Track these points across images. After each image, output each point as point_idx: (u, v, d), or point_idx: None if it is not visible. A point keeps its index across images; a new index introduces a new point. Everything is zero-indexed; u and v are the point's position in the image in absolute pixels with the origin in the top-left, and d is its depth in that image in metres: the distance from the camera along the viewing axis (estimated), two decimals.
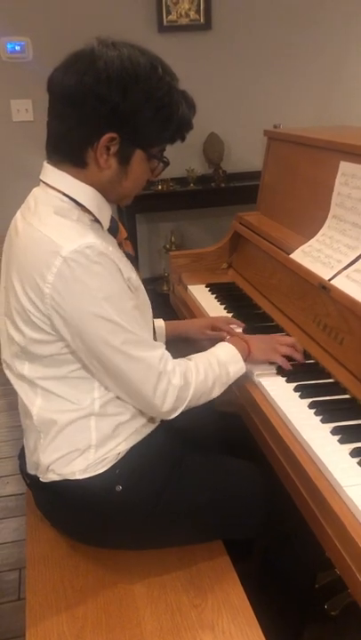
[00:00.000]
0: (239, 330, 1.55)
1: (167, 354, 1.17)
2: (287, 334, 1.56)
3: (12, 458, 2.41)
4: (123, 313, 1.08)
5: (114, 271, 1.08)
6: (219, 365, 1.25)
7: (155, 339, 1.33)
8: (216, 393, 1.25)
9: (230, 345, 1.32)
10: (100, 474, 1.18)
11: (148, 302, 1.29)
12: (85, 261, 1.03)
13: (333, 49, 3.62)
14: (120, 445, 1.20)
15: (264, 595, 1.31)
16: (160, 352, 1.15)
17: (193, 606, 1.16)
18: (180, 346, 1.53)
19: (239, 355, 1.30)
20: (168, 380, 1.14)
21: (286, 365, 1.35)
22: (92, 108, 1.06)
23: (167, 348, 1.36)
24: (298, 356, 1.38)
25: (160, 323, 1.55)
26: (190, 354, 1.28)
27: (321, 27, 3.55)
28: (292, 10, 3.49)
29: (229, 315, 1.73)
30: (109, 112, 1.06)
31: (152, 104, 1.07)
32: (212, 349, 1.31)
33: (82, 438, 1.17)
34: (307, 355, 1.44)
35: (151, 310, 1.30)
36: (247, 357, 1.32)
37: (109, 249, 1.08)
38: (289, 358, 1.37)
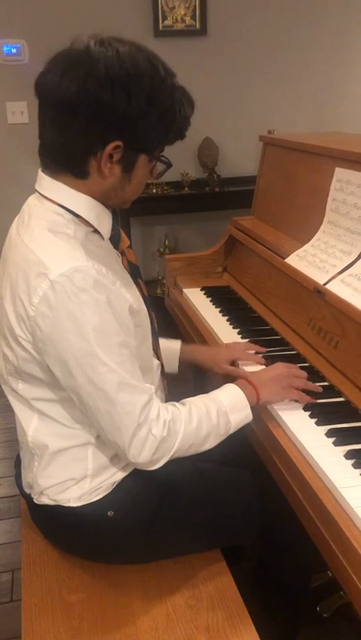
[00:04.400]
0: (258, 357, 1.44)
1: (154, 399, 1.08)
2: (282, 338, 1.58)
3: (5, 460, 2.41)
4: (107, 348, 1.01)
5: (102, 302, 1.01)
6: (218, 415, 1.15)
7: (160, 361, 1.29)
8: (210, 445, 1.16)
9: (238, 389, 1.21)
10: (93, 502, 1.16)
11: (149, 325, 1.23)
12: (72, 287, 0.98)
13: (328, 54, 3.64)
14: (116, 475, 1.17)
15: (258, 596, 1.32)
16: (145, 398, 1.06)
17: (188, 607, 1.16)
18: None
19: (246, 401, 1.20)
20: (148, 430, 1.05)
21: (305, 399, 1.25)
22: (95, 117, 1.00)
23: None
24: (312, 387, 1.28)
25: (176, 345, 1.46)
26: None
27: (315, 33, 3.58)
28: (287, 16, 3.52)
29: (225, 318, 1.74)
30: (114, 119, 1.01)
31: (155, 108, 1.03)
32: (216, 394, 1.21)
33: (78, 467, 1.15)
34: (301, 358, 1.45)
35: (151, 331, 1.24)
36: (257, 403, 1.23)
37: (102, 271, 1.03)
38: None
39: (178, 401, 1.19)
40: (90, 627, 1.13)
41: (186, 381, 1.53)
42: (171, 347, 1.45)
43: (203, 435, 1.13)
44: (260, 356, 1.46)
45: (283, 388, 1.25)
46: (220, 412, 1.16)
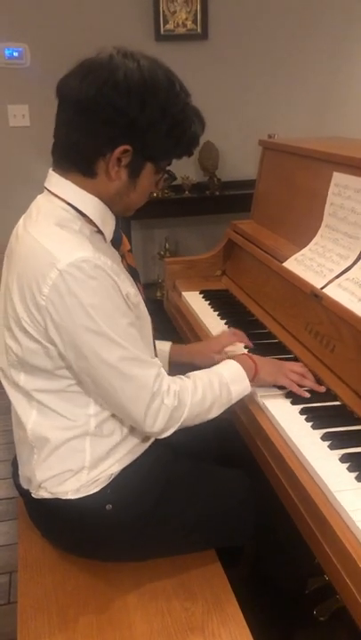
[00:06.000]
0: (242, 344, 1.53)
1: (163, 372, 1.15)
2: (280, 342, 1.58)
3: (4, 462, 2.41)
4: (117, 329, 1.07)
5: (110, 287, 1.06)
6: (220, 385, 1.22)
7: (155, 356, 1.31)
8: (214, 413, 1.23)
9: (236, 363, 1.29)
10: (91, 494, 1.18)
11: (148, 318, 1.26)
12: (81, 275, 1.02)
13: (329, 59, 3.65)
14: (113, 467, 1.19)
15: (254, 600, 1.32)
16: (155, 370, 1.12)
17: (183, 609, 1.16)
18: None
19: (245, 373, 1.27)
20: (161, 400, 1.12)
21: (297, 390, 1.30)
22: (108, 119, 1.05)
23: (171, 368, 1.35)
24: (308, 383, 1.32)
25: (165, 347, 1.50)
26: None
27: (316, 37, 3.59)
28: (288, 20, 3.53)
29: (223, 321, 1.74)
30: (126, 124, 1.05)
31: (167, 120, 1.08)
32: (216, 367, 1.28)
33: (76, 459, 1.16)
34: (299, 362, 1.45)
35: (151, 326, 1.28)
36: (254, 377, 1.29)
37: (107, 263, 1.07)
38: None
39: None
40: (85, 629, 1.13)
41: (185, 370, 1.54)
42: (160, 348, 1.47)
43: (208, 404, 1.20)
44: (244, 340, 1.54)
45: (279, 373, 1.32)
46: (221, 383, 1.23)
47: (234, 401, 1.26)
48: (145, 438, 1.24)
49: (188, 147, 1.15)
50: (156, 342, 1.43)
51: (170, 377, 1.17)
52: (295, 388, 1.31)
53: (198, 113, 1.14)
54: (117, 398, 1.10)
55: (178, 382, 1.17)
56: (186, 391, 1.17)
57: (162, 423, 1.13)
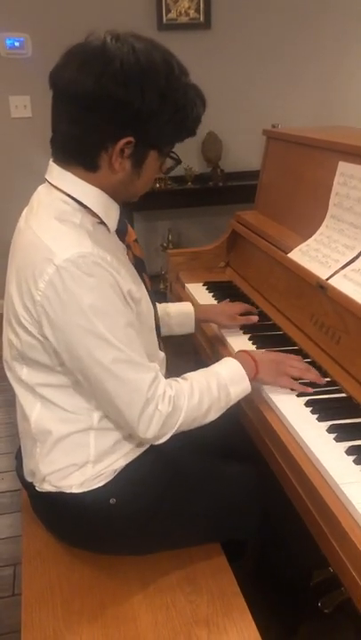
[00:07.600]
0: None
1: (159, 377, 1.11)
2: (284, 334, 1.57)
3: (7, 454, 2.41)
4: (114, 329, 1.04)
5: (108, 284, 1.04)
6: (218, 387, 1.18)
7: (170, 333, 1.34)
8: (212, 417, 1.19)
9: (236, 362, 1.24)
10: (95, 488, 1.17)
11: (152, 312, 1.24)
12: (77, 272, 1.00)
13: (333, 49, 3.63)
14: (118, 461, 1.18)
15: (259, 592, 1.31)
16: (151, 375, 1.09)
17: (188, 602, 1.16)
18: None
19: (245, 373, 1.23)
20: (155, 406, 1.08)
21: (299, 388, 1.28)
22: (109, 113, 1.02)
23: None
24: (310, 376, 1.30)
25: (189, 308, 1.53)
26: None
27: (320, 27, 3.56)
28: (292, 10, 3.50)
29: None
30: (127, 116, 1.02)
31: (169, 106, 1.04)
32: (215, 367, 1.24)
33: (80, 453, 1.15)
34: (304, 354, 1.45)
35: (154, 321, 1.25)
36: (254, 378, 1.25)
37: (107, 259, 1.04)
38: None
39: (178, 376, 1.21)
40: (89, 621, 1.13)
41: (187, 360, 1.56)
42: (184, 310, 1.53)
43: (205, 408, 1.16)
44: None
45: (279, 373, 1.29)
46: (220, 384, 1.19)
47: (233, 402, 1.21)
48: None
49: (192, 128, 1.12)
50: (178, 304, 1.52)
51: (166, 380, 1.14)
52: (297, 386, 1.28)
53: (199, 92, 1.10)
54: (111, 401, 1.08)
55: (174, 386, 1.13)
56: (182, 395, 1.13)
57: (155, 429, 1.10)
